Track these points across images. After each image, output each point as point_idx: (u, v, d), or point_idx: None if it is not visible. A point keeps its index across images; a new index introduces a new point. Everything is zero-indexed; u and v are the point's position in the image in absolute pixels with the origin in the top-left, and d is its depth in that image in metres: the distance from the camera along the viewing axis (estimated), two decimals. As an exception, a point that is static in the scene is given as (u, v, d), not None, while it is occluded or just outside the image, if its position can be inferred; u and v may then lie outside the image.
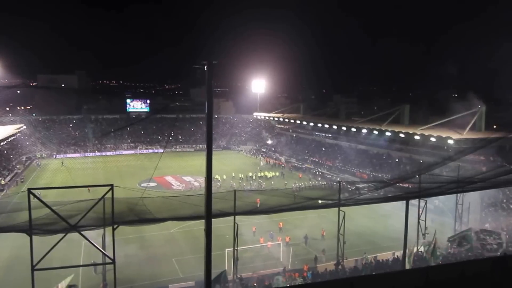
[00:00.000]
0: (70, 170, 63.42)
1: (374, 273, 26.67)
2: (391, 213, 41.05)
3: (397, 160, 59.07)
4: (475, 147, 36.04)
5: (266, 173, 64.74)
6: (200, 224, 35.14)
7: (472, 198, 37.68)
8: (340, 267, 28.93)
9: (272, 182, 58.54)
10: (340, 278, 27.77)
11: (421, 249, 30.15)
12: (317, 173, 65.63)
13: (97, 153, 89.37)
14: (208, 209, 15.10)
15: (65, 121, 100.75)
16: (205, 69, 14.53)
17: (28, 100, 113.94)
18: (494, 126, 47.36)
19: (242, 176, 61.73)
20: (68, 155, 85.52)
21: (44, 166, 74.20)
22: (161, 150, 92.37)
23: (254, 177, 62.24)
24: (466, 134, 46.42)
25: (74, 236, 18.33)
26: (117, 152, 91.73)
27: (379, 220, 41.47)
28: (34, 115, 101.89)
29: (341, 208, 27.89)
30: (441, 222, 39.61)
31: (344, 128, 66.92)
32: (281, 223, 39.63)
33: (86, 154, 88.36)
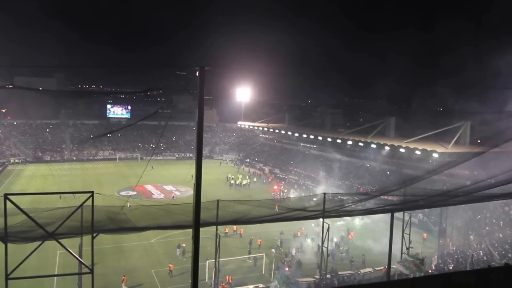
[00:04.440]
0: (45, 176, 61.58)
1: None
2: (375, 227, 41.06)
3: (380, 172, 59.43)
4: (457, 161, 36.49)
5: (242, 180, 66.45)
6: (181, 234, 34.86)
7: (456, 212, 38.01)
8: (324, 282, 28.57)
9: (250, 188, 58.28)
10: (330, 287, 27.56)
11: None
12: (301, 184, 65.46)
13: (75, 160, 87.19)
14: (196, 217, 14.76)
15: (42, 126, 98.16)
16: (197, 75, 14.27)
17: (3, 103, 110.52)
18: (479, 141, 48.18)
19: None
20: (45, 161, 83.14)
21: (19, 172, 71.99)
22: (141, 158, 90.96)
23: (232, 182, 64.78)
24: (451, 148, 47.00)
25: (49, 244, 17.47)
26: (96, 159, 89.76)
27: (363, 234, 41.33)
28: (9, 118, 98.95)
29: (325, 220, 27.56)
30: (424, 236, 39.91)
31: (329, 139, 67.05)
32: (242, 230, 39.70)
33: (63, 160, 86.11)
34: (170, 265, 31.46)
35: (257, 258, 33.89)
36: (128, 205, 21.60)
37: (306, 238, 38.91)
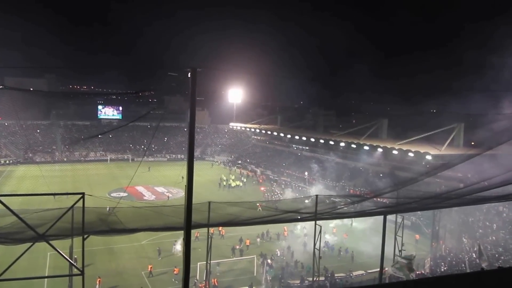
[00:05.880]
0: (35, 177, 60.83)
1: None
2: (369, 229, 41.02)
3: (373, 174, 59.53)
4: (450, 163, 36.55)
5: (232, 182, 66.45)
6: (171, 236, 34.57)
7: (449, 215, 38.13)
8: (316, 285, 28.45)
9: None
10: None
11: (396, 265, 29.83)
12: (293, 185, 65.38)
13: (66, 161, 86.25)
14: (188, 219, 14.60)
15: (33, 127, 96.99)
16: (189, 76, 14.13)
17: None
18: (472, 143, 48.26)
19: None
20: (35, 162, 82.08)
21: (9, 173, 71.11)
22: (132, 159, 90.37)
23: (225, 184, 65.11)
24: (444, 150, 47.08)
25: (39, 246, 17.22)
26: (87, 160, 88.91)
27: (357, 236, 41.31)
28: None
29: (318, 222, 27.47)
30: (416, 237, 40.01)
31: (321, 141, 67.01)
32: (223, 231, 39.47)
33: (54, 161, 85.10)
34: (150, 266, 31.54)
35: (243, 257, 34.10)
36: (108, 208, 21.42)
37: (296, 226, 39.19)
